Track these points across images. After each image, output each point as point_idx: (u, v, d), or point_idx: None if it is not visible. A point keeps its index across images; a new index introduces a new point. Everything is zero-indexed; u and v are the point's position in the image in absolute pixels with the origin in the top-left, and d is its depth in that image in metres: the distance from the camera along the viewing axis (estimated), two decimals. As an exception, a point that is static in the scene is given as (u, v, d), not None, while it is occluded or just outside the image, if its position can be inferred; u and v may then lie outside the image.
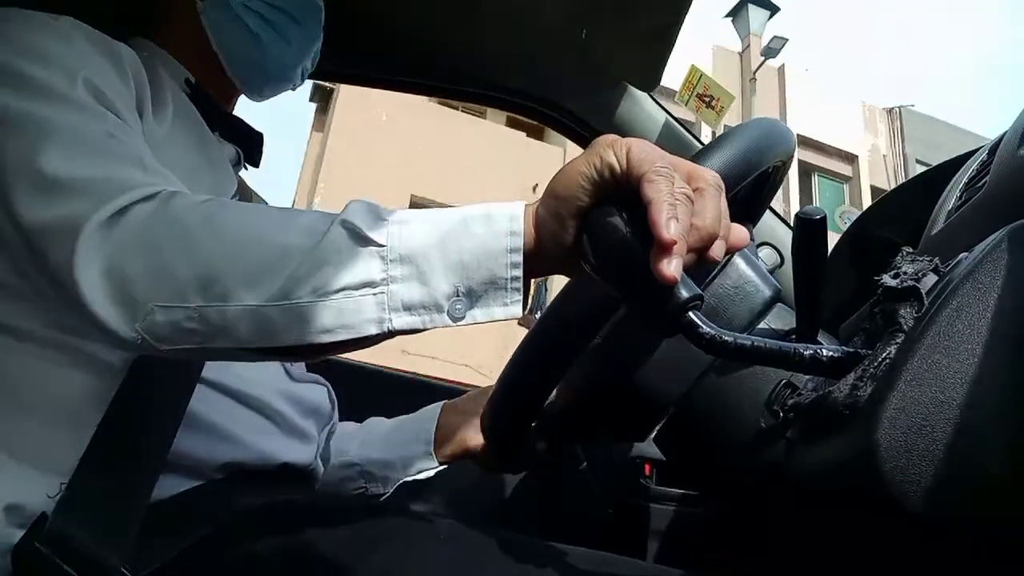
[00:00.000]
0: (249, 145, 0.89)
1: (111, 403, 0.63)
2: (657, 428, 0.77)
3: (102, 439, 0.61)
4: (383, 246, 0.48)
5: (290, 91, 0.94)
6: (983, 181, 0.61)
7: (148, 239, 0.51)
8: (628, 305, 0.49)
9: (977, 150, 0.72)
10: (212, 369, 0.70)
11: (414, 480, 0.92)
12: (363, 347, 0.51)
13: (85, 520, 0.59)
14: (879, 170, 13.54)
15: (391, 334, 0.49)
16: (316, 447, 0.85)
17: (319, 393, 0.87)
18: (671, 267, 0.42)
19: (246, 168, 0.91)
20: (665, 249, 0.42)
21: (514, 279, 0.48)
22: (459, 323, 0.48)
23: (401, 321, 0.48)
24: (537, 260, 0.49)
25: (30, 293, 0.62)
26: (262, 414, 0.77)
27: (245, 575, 0.62)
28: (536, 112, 1.27)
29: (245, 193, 0.87)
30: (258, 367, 0.77)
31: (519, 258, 0.48)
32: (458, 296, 0.48)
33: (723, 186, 0.47)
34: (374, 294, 0.48)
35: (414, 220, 0.50)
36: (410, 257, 0.48)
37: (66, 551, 0.57)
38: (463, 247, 0.48)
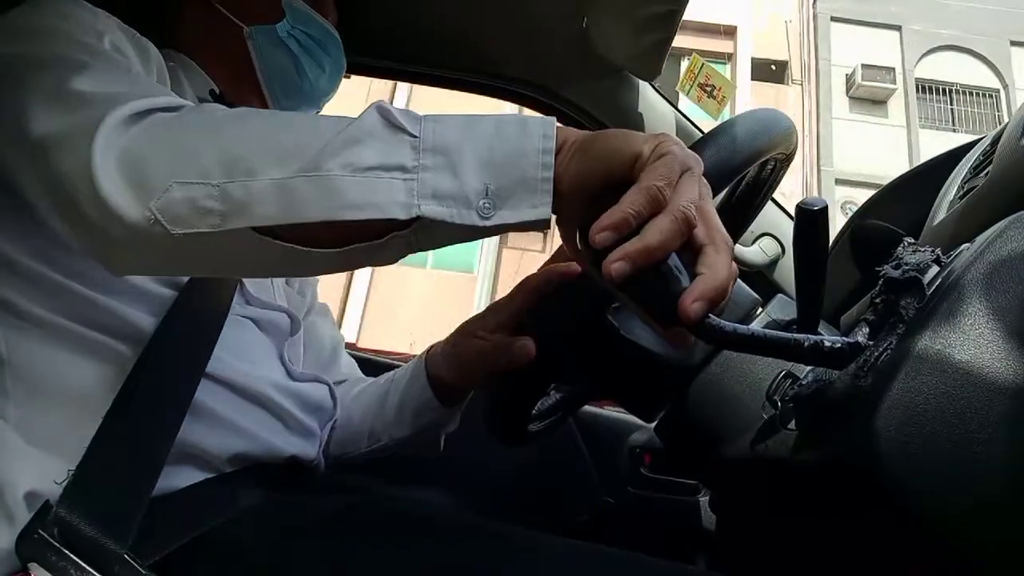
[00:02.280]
0: None
1: (119, 392, 0.63)
2: (659, 417, 0.77)
3: (109, 427, 0.62)
4: (416, 137, 0.48)
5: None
6: (985, 171, 0.61)
7: (171, 129, 0.51)
8: (628, 294, 0.49)
9: (979, 140, 0.72)
10: (218, 363, 0.71)
11: (415, 471, 0.94)
12: (387, 243, 0.50)
13: (90, 507, 0.59)
14: (775, 40, 13.03)
15: (419, 221, 0.47)
16: (319, 443, 0.85)
17: (321, 391, 0.87)
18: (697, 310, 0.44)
19: None
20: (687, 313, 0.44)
21: (544, 179, 0.48)
22: (487, 222, 0.48)
23: (429, 208, 0.47)
24: (562, 180, 0.49)
25: (44, 277, 0.64)
26: (268, 411, 0.77)
27: (249, 568, 0.63)
28: (537, 102, 1.26)
29: None
30: (259, 366, 0.78)
31: (550, 159, 0.48)
32: (487, 196, 0.47)
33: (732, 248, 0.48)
34: (404, 179, 0.47)
35: (447, 118, 0.50)
36: (443, 149, 0.48)
37: (70, 537, 0.57)
38: (495, 146, 0.48)
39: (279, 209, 0.47)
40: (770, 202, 1.15)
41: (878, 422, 0.41)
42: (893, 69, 13.03)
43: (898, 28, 13.47)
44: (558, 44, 1.16)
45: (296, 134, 0.49)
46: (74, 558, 0.57)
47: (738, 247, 1.11)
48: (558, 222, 0.52)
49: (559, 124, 0.50)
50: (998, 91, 13.46)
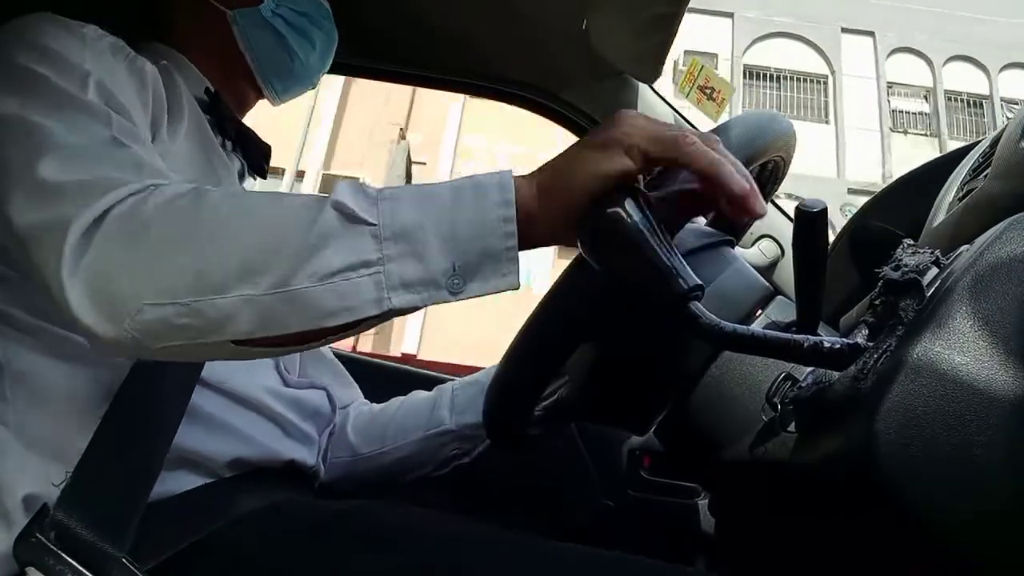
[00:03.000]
0: (257, 156, 0.90)
1: (115, 396, 0.63)
2: (658, 421, 0.77)
3: (106, 431, 0.62)
4: (375, 224, 0.48)
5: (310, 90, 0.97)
6: (984, 173, 0.60)
7: (130, 240, 0.50)
8: (629, 295, 0.49)
9: (978, 142, 0.72)
10: (214, 373, 0.71)
11: (407, 473, 0.95)
12: (364, 330, 0.51)
13: (87, 511, 0.59)
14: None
15: (392, 313, 0.48)
16: (318, 448, 0.85)
17: (318, 396, 0.87)
18: (760, 202, 0.49)
19: (254, 179, 0.92)
20: (747, 193, 0.48)
21: (508, 249, 0.48)
22: (458, 298, 0.48)
23: (400, 300, 0.47)
24: (536, 229, 0.49)
25: (31, 285, 0.62)
26: (266, 416, 0.78)
27: (247, 573, 0.63)
28: (536, 104, 1.26)
29: None
30: (255, 374, 0.78)
31: (513, 227, 0.48)
32: (455, 271, 0.48)
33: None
34: (370, 274, 0.47)
35: (404, 196, 0.49)
36: (404, 234, 0.48)
37: (68, 541, 0.57)
38: (456, 220, 0.48)
39: (254, 324, 0.48)
40: (769, 204, 1.14)
41: (878, 424, 0.41)
42: (716, 55, 13.32)
43: (730, 15, 13.77)
44: (558, 46, 1.16)
45: (261, 238, 0.49)
46: (72, 562, 0.57)
47: (738, 249, 1.11)
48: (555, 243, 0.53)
49: (515, 177, 0.50)
50: (827, 77, 13.80)
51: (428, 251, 0.47)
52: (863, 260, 0.81)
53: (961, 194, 0.64)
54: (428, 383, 1.04)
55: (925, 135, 13.96)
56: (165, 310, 0.48)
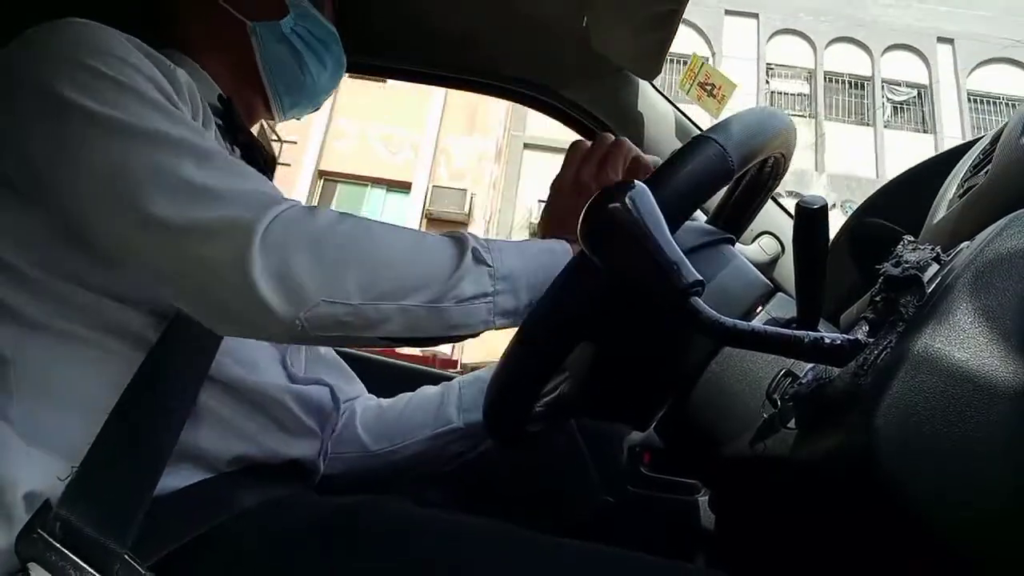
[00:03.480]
0: (263, 166, 0.90)
1: (123, 393, 0.64)
2: (658, 417, 0.77)
3: (112, 428, 0.62)
4: (492, 267, 0.64)
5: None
6: (985, 170, 0.60)
7: (311, 245, 0.59)
8: (629, 291, 0.50)
9: (979, 139, 0.72)
10: (221, 365, 0.71)
11: (414, 470, 0.95)
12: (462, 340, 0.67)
13: (90, 507, 0.59)
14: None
15: (488, 329, 0.65)
16: (320, 445, 0.85)
17: (322, 393, 0.88)
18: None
19: None
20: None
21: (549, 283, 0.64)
22: (520, 321, 0.65)
23: (500, 322, 0.65)
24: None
25: (48, 284, 0.64)
26: (270, 413, 0.78)
27: (249, 568, 0.63)
28: (537, 101, 1.26)
29: None
30: (260, 370, 0.78)
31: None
32: (530, 304, 0.65)
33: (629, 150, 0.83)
34: (486, 303, 0.64)
35: (506, 248, 0.67)
36: (508, 276, 0.65)
37: (70, 536, 0.57)
38: (536, 272, 0.66)
39: (401, 328, 0.61)
40: (770, 200, 1.14)
41: (878, 420, 0.41)
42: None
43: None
44: (559, 44, 1.16)
45: (418, 264, 0.63)
46: (73, 558, 0.57)
47: (738, 246, 1.11)
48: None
49: (570, 243, 0.71)
50: (707, 59, 13.86)
51: (521, 291, 0.65)
52: (863, 257, 0.81)
53: (962, 191, 0.64)
54: (432, 380, 1.04)
55: (804, 116, 14.00)
56: (336, 308, 0.59)
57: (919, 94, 13.33)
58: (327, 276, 0.59)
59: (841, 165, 13.51)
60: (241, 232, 0.58)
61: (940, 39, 13.57)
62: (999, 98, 13.18)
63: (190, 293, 0.62)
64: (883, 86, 13.23)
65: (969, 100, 13.26)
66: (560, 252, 0.69)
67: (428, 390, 1.01)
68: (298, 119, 1.01)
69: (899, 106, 12.87)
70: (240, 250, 0.57)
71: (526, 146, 12.93)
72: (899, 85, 13.05)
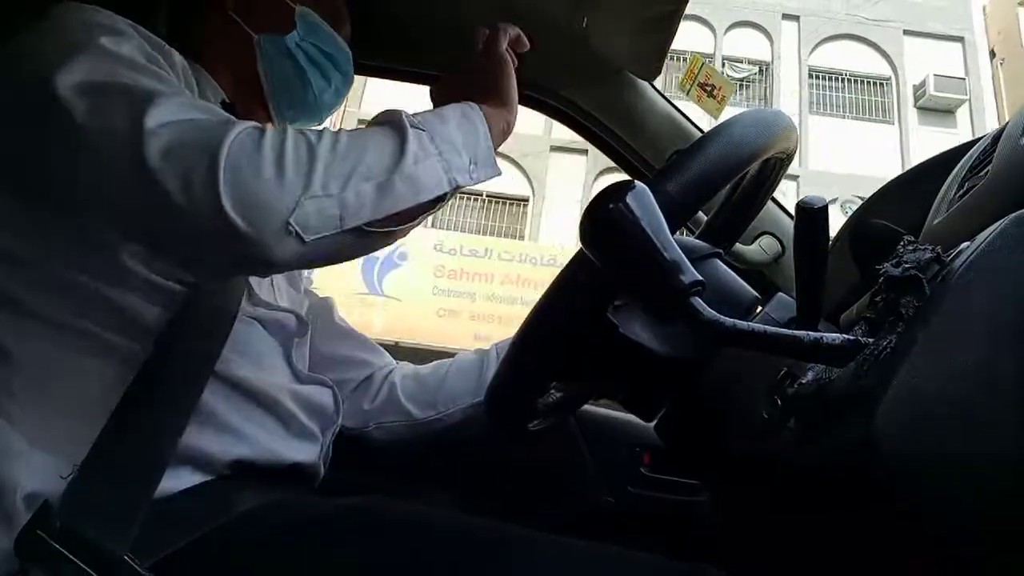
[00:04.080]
0: None
1: (125, 392, 0.64)
2: (659, 416, 0.77)
3: (113, 428, 0.62)
4: (425, 131, 0.68)
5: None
6: (985, 170, 0.60)
7: (280, 153, 0.60)
8: (630, 291, 0.49)
9: (979, 139, 0.72)
10: (225, 363, 0.71)
11: (415, 467, 0.97)
12: (435, 209, 0.70)
13: (90, 508, 0.59)
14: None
15: (454, 190, 0.69)
16: (320, 448, 0.85)
17: (325, 395, 0.88)
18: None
19: None
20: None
21: (488, 148, 0.73)
22: (475, 182, 0.71)
23: (459, 179, 0.69)
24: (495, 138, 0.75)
25: (52, 273, 0.64)
26: (272, 414, 0.78)
27: (248, 570, 0.63)
28: (536, 101, 1.26)
29: None
30: (265, 368, 0.78)
31: (490, 138, 0.73)
32: (472, 163, 0.70)
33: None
34: (438, 161, 0.67)
35: (427, 117, 0.70)
36: (442, 138, 0.68)
37: (70, 537, 0.57)
38: (465, 133, 0.71)
39: (384, 205, 0.63)
40: (770, 200, 1.14)
41: (878, 420, 0.41)
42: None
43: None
44: (558, 44, 1.16)
45: (371, 143, 0.65)
46: (73, 559, 0.57)
47: (739, 245, 1.11)
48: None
49: (480, 108, 0.74)
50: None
51: (457, 150, 0.69)
52: (864, 257, 0.81)
53: (962, 191, 0.64)
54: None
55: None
56: (321, 202, 0.60)
57: (760, 70, 13.19)
58: (306, 174, 0.60)
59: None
60: (205, 154, 0.59)
61: (785, 15, 13.46)
62: (842, 73, 13.14)
63: (183, 238, 0.63)
64: (723, 63, 13.03)
65: (811, 76, 13.15)
66: (473, 114, 0.73)
67: (467, 356, 1.02)
68: None
69: (740, 83, 12.74)
70: (206, 174, 0.58)
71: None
72: (741, 62, 12.97)
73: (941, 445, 0.39)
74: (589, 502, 1.14)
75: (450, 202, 0.74)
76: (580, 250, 0.55)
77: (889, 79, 13.20)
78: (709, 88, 1.30)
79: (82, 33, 0.66)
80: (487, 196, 11.66)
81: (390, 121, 0.68)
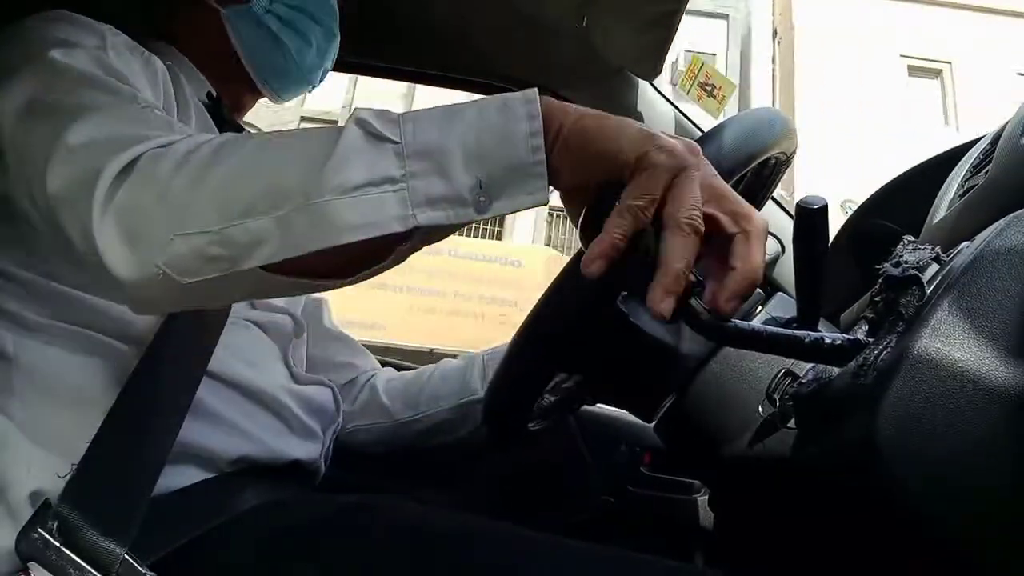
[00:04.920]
0: None
1: (121, 391, 0.64)
2: (659, 416, 0.77)
3: (111, 425, 0.62)
4: (398, 143, 0.47)
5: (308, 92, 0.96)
6: (985, 170, 0.60)
7: (159, 179, 0.50)
8: (629, 290, 0.49)
9: (979, 139, 0.72)
10: (225, 365, 0.71)
11: (416, 466, 0.97)
12: (386, 262, 0.50)
13: (90, 506, 0.59)
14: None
15: (419, 232, 0.47)
16: (321, 446, 0.86)
17: (325, 394, 0.88)
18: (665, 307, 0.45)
19: None
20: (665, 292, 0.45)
21: (537, 163, 0.46)
22: (485, 215, 0.47)
23: (426, 216, 0.46)
24: (562, 163, 0.48)
25: (47, 289, 0.65)
26: (273, 412, 0.78)
27: (249, 568, 0.63)
28: (537, 101, 1.26)
29: None
30: (263, 368, 0.78)
31: (540, 141, 0.46)
32: (481, 188, 0.46)
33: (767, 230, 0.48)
34: (395, 191, 0.46)
35: (427, 117, 0.49)
36: (427, 150, 0.47)
37: (70, 536, 0.57)
38: (481, 136, 0.47)
39: (282, 245, 0.47)
40: (770, 201, 1.14)
41: (878, 420, 0.41)
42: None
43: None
44: (558, 43, 1.16)
45: (285, 164, 0.49)
46: (74, 557, 0.57)
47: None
48: (566, 203, 0.52)
49: (541, 97, 0.48)
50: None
51: (452, 167, 0.46)
52: (864, 257, 0.81)
53: (962, 191, 0.64)
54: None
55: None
56: (196, 240, 0.48)
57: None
58: (178, 206, 0.49)
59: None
60: (90, 184, 0.51)
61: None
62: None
63: (89, 263, 0.54)
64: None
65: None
66: (516, 100, 0.48)
67: (451, 362, 1.01)
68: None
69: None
70: (87, 205, 0.51)
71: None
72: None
73: (940, 446, 0.39)
74: (589, 502, 1.14)
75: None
76: (579, 250, 0.55)
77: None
78: (709, 88, 1.30)
79: (36, 48, 0.64)
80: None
81: (340, 127, 0.49)
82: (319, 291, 0.52)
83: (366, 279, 0.52)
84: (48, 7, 0.70)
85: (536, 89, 0.49)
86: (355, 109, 0.49)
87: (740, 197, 0.47)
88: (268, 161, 0.50)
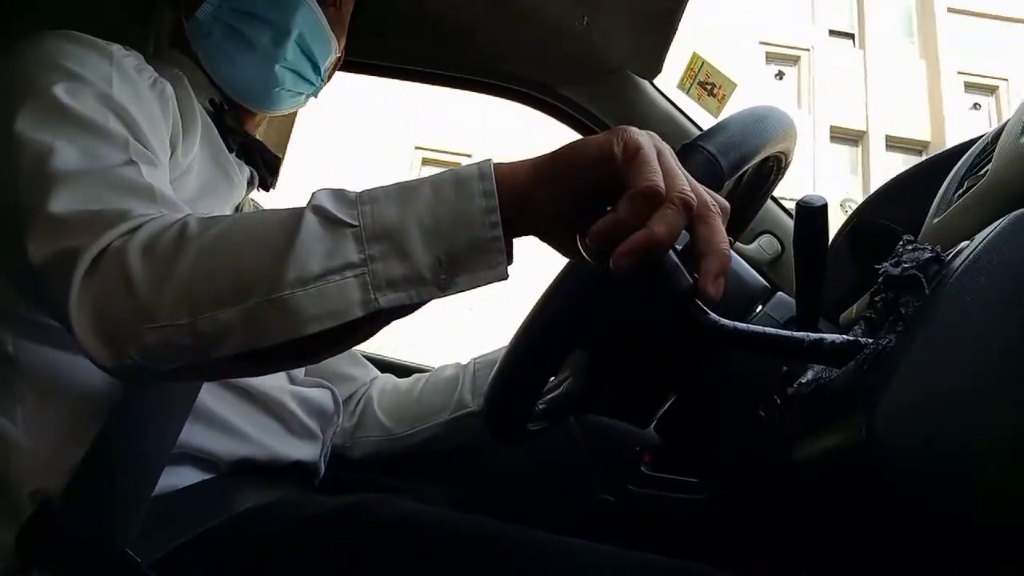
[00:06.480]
0: (263, 169, 0.89)
1: (124, 391, 0.64)
2: (659, 416, 0.77)
3: (112, 426, 0.63)
4: (356, 226, 0.47)
5: (313, 97, 0.91)
6: (984, 170, 0.60)
7: (131, 270, 0.51)
8: (628, 292, 0.49)
9: (979, 138, 0.71)
10: None
11: (415, 466, 0.97)
12: (357, 338, 0.51)
13: (91, 505, 0.59)
14: None
15: (382, 314, 0.47)
16: (321, 446, 0.86)
17: (324, 395, 0.88)
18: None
19: (261, 190, 0.92)
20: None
21: (495, 239, 0.47)
22: (447, 292, 0.47)
23: (387, 299, 0.47)
24: (529, 216, 0.48)
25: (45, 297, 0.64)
26: (273, 413, 0.78)
27: (249, 567, 0.63)
28: (536, 100, 1.26)
29: None
30: (266, 376, 0.78)
31: (496, 217, 0.47)
32: (441, 265, 0.47)
33: (727, 211, 0.48)
34: (355, 276, 0.47)
35: (383, 196, 0.49)
36: (386, 233, 0.47)
37: (71, 534, 0.57)
38: (437, 213, 0.47)
39: (249, 337, 0.48)
40: (770, 200, 1.14)
41: (878, 420, 0.41)
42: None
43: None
44: (559, 42, 1.16)
45: (247, 255, 0.49)
46: (75, 555, 0.57)
47: (738, 245, 1.11)
48: (548, 242, 0.52)
49: (496, 165, 0.49)
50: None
51: (412, 247, 0.47)
52: (863, 257, 0.81)
53: (961, 190, 0.64)
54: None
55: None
56: (166, 331, 0.49)
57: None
58: (146, 300, 0.50)
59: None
60: (67, 268, 0.52)
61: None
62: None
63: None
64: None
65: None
66: (470, 176, 0.48)
67: (443, 372, 1.01)
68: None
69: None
70: (65, 289, 0.52)
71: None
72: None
73: (941, 445, 0.39)
74: (589, 502, 1.14)
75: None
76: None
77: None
78: (709, 87, 1.29)
79: (41, 76, 0.63)
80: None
81: (299, 211, 0.50)
82: (287, 370, 0.53)
83: (334, 356, 0.54)
84: (50, 8, 0.70)
85: (491, 160, 0.49)
86: (312, 192, 0.50)
87: (691, 177, 0.47)
88: (231, 251, 0.50)
